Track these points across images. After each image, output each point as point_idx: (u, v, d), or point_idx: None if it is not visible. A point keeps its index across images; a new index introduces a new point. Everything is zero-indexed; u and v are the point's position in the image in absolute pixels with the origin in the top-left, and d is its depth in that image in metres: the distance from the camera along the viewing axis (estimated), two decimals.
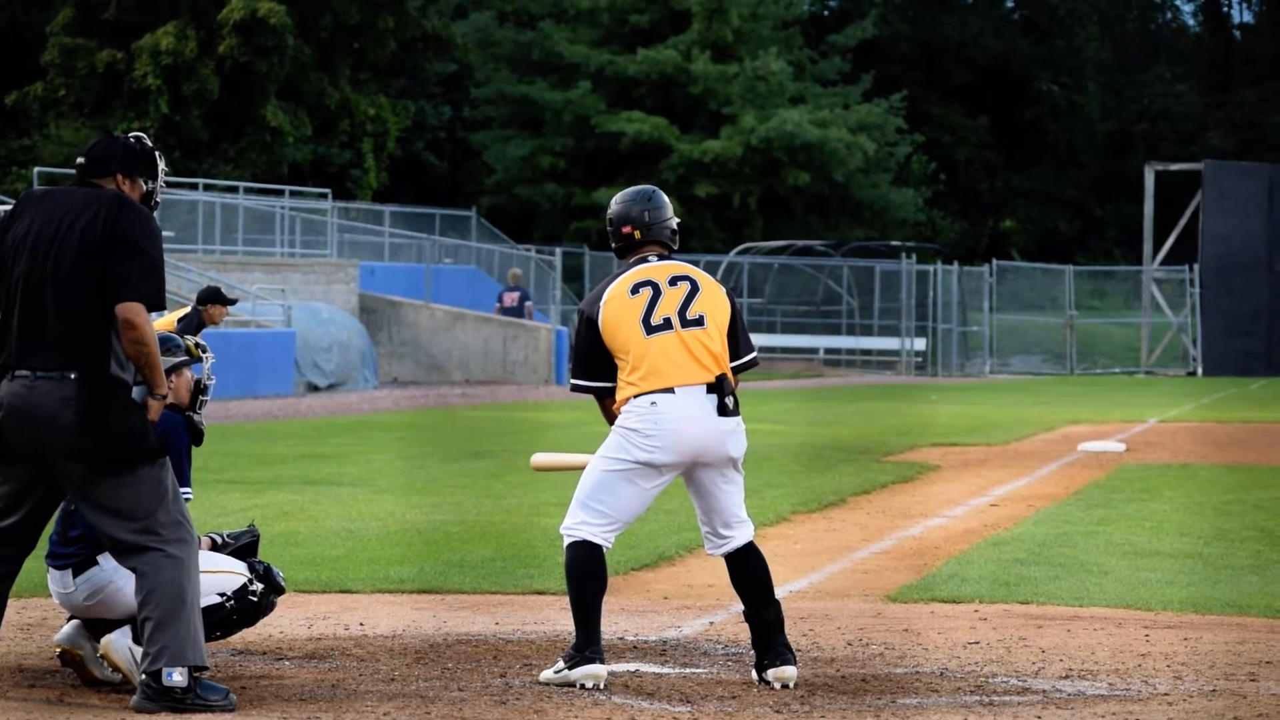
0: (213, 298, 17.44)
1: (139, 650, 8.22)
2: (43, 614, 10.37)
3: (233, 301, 17.93)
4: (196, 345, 8.87)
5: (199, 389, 8.83)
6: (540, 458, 9.63)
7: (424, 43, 58.42)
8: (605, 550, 8.64)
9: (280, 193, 48.91)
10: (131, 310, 7.80)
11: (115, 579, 8.37)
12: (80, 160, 8.06)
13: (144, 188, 8.10)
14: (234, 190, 47.74)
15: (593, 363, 8.75)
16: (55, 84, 53.01)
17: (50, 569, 8.50)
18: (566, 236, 65.48)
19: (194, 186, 45.80)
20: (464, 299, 47.58)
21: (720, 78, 66.85)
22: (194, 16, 52.17)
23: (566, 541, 8.67)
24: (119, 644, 8.37)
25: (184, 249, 41.22)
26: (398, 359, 44.77)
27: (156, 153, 8.17)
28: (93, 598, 8.41)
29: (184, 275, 37.21)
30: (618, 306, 8.67)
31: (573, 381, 8.87)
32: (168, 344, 8.70)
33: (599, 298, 8.72)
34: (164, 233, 40.72)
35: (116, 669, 8.38)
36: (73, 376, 7.80)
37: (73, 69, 52.49)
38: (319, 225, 47.63)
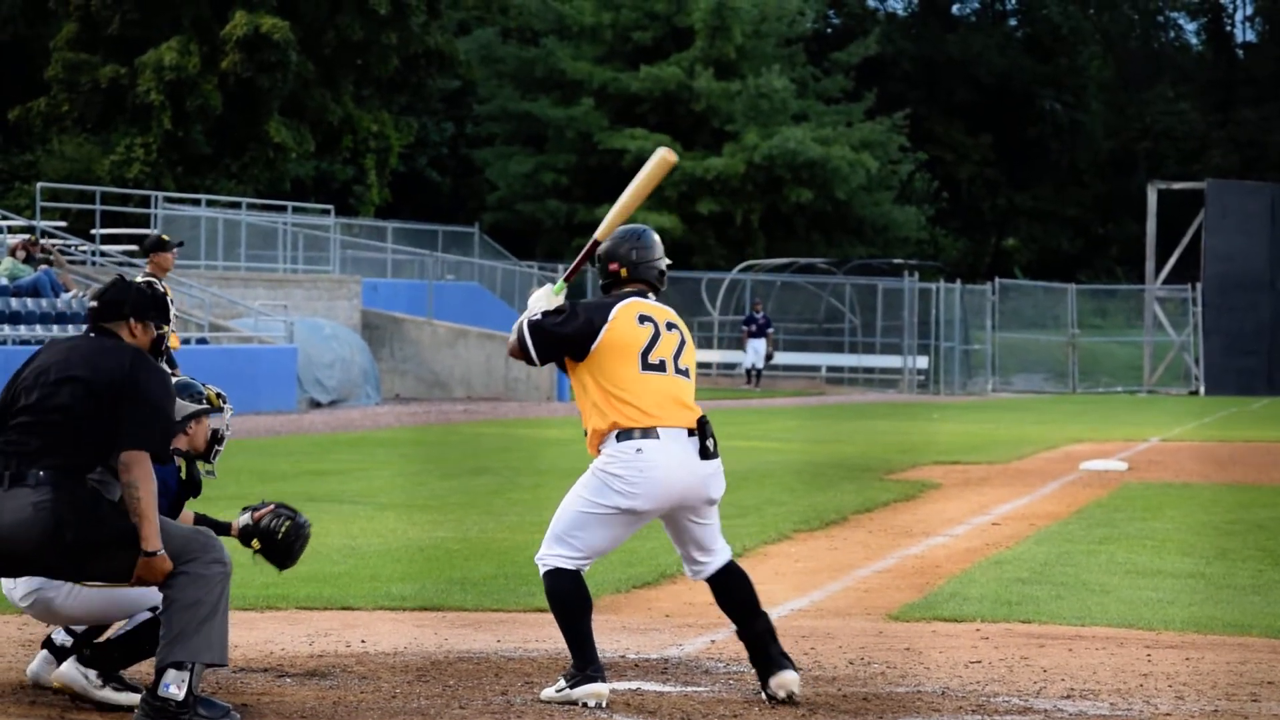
0: (157, 246, 16.70)
1: (91, 672, 8.36)
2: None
3: (179, 244, 17.17)
4: (218, 395, 8.85)
5: (215, 438, 8.82)
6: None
7: (427, 59, 58.48)
8: (582, 572, 8.65)
9: (283, 208, 48.93)
10: (133, 457, 7.75)
11: (44, 586, 8.32)
12: (93, 304, 8.12)
13: (155, 331, 8.17)
14: (237, 206, 47.76)
15: (556, 352, 8.62)
16: (58, 99, 53.08)
17: None
18: (569, 253, 65.48)
19: (197, 202, 45.84)
20: (466, 315, 47.57)
21: (723, 95, 66.92)
22: (197, 32, 52.23)
23: (542, 570, 8.67)
24: (68, 673, 8.39)
25: (187, 265, 41.23)
26: (400, 375, 44.77)
27: (169, 298, 8.26)
28: (26, 599, 8.37)
29: (186, 291, 37.23)
30: (627, 330, 8.60)
31: (535, 352, 8.63)
32: (188, 391, 8.69)
33: (608, 310, 8.60)
34: None
35: (72, 693, 8.39)
36: (41, 474, 7.78)
37: (76, 84, 52.56)
38: (322, 241, 47.65)
